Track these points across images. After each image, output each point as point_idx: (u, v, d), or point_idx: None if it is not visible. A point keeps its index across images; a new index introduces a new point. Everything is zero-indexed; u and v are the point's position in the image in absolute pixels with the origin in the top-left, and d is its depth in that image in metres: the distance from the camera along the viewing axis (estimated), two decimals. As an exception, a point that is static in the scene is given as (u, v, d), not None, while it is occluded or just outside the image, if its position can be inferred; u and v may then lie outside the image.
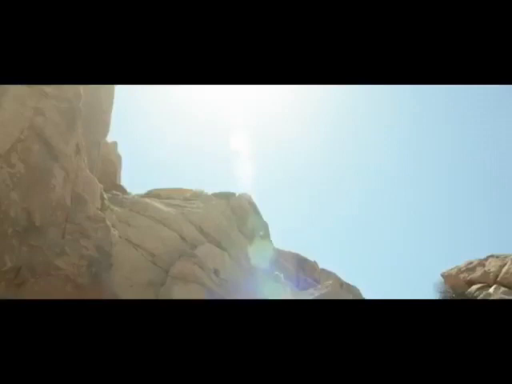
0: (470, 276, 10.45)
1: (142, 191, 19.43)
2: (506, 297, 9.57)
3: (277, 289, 9.91)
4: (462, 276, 8.34)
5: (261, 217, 21.91)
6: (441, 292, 8.00)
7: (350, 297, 9.21)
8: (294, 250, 25.25)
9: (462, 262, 9.18)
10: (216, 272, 16.27)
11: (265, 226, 22.06)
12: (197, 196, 19.29)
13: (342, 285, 22.05)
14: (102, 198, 13.73)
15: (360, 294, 23.36)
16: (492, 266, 11.22)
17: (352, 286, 23.64)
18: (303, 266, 24.08)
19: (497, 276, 11.10)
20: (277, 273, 9.96)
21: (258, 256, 18.38)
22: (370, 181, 70.49)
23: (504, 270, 11.54)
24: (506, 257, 12.12)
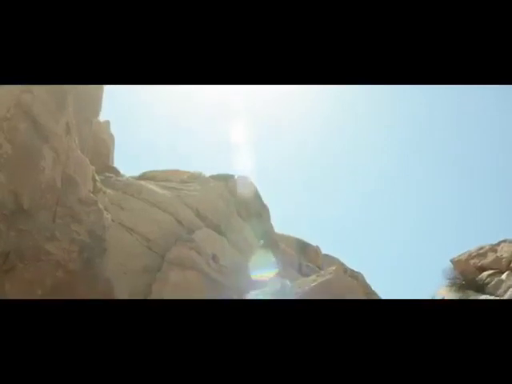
0: (481, 262, 10.42)
1: (137, 173, 19.38)
2: (519, 284, 9.62)
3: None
4: (472, 262, 8.34)
5: (261, 200, 21.90)
6: (450, 279, 8.02)
7: (354, 283, 9.23)
8: (295, 235, 25.35)
9: (472, 248, 9.17)
10: (214, 258, 16.27)
11: (265, 210, 22.06)
12: (194, 178, 19.23)
13: (346, 271, 22.15)
14: (94, 180, 13.65)
15: (364, 280, 23.49)
16: (504, 251, 11.17)
17: (356, 272, 23.76)
18: (305, 251, 24.16)
19: (509, 262, 11.06)
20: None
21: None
22: (377, 165, 70.29)
23: (517, 255, 11.50)
24: (518, 242, 12.09)
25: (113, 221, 13.66)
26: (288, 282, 9.66)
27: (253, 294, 9.43)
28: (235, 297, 14.55)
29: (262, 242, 18.75)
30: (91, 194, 12.47)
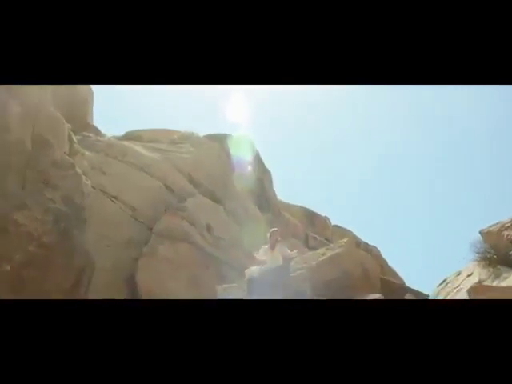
0: (516, 233, 10.27)
1: (120, 133, 19.07)
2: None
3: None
4: (505, 233, 8.17)
5: (263, 164, 21.70)
6: (479, 253, 7.86)
7: (369, 258, 9.09)
8: (301, 204, 25.25)
9: (505, 218, 8.95)
10: (209, 228, 16.23)
11: (267, 175, 21.90)
12: (186, 139, 18.93)
13: (359, 244, 22.14)
14: (71, 141, 13.43)
15: (380, 255, 23.54)
16: (542, 221, 10.93)
17: (370, 246, 23.77)
18: (312, 222, 24.10)
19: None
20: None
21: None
22: (396, 128, 69.67)
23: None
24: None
25: (93, 187, 13.52)
26: (287, 250, 9.43)
27: (253, 270, 9.30)
28: (233, 272, 14.55)
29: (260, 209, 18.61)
30: (67, 157, 12.27)
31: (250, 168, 19.72)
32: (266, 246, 9.41)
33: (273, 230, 9.75)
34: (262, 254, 9.38)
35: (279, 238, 9.45)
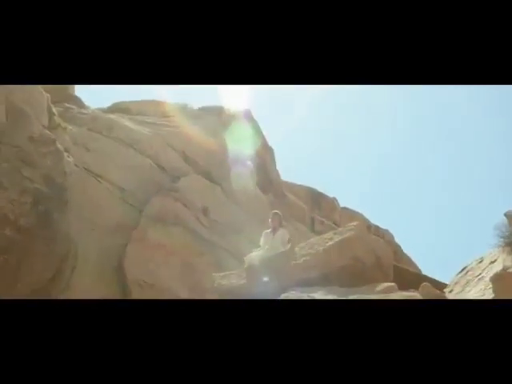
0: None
1: (105, 105, 18.94)
2: None
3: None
4: (534, 216, 8.08)
5: (264, 140, 21.59)
6: (503, 237, 7.74)
7: (381, 243, 8.99)
8: (307, 185, 25.17)
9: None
10: (205, 211, 16.23)
11: (269, 152, 21.80)
12: (179, 111, 18.81)
13: (371, 228, 22.10)
14: (50, 113, 13.32)
15: (393, 240, 23.52)
16: None
17: (383, 230, 23.75)
18: (319, 204, 24.05)
19: None
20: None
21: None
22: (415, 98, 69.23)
23: None
24: None
25: (76, 165, 13.45)
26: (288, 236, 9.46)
27: (253, 257, 9.25)
28: (231, 259, 14.53)
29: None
30: (47, 131, 12.17)
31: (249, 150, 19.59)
32: (268, 231, 9.46)
33: (274, 212, 9.76)
34: (264, 239, 9.45)
35: (282, 222, 9.45)
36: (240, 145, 18.89)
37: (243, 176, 18.64)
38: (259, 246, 9.39)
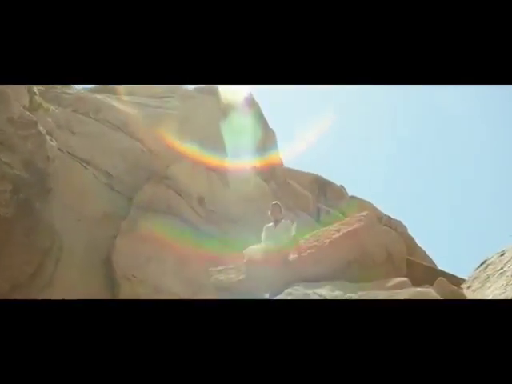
0: None
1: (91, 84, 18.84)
2: None
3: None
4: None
5: (265, 122, 21.52)
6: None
7: (392, 234, 8.94)
8: (312, 172, 25.14)
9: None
10: (201, 200, 16.27)
11: (270, 136, 21.73)
12: (171, 91, 18.71)
13: (381, 218, 22.08)
14: (31, 92, 13.24)
15: (406, 232, 23.50)
16: None
17: (394, 221, 23.73)
18: (325, 193, 24.03)
19: None
20: None
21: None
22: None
23: None
24: None
25: (60, 149, 13.40)
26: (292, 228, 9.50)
27: (253, 250, 9.23)
28: (229, 252, 14.50)
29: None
30: (27, 112, 12.10)
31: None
32: (270, 225, 9.47)
33: (273, 204, 9.72)
34: (266, 234, 9.39)
35: (282, 213, 9.46)
36: (239, 133, 18.84)
37: (242, 162, 18.65)
38: (260, 239, 9.39)
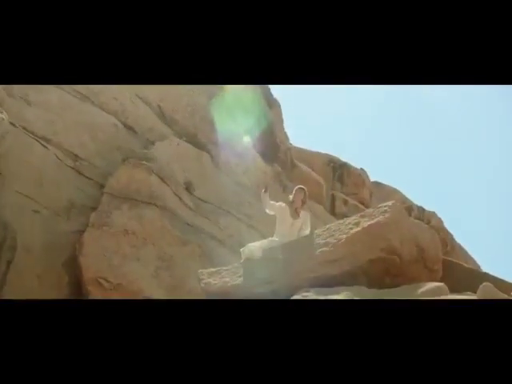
0: None
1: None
2: None
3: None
4: None
5: (269, 93, 21.49)
6: None
7: (425, 229, 8.82)
8: (325, 151, 25.09)
9: None
10: (189, 187, 16.25)
11: (276, 109, 21.68)
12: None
13: (412, 209, 21.99)
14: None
15: (442, 226, 23.40)
16: None
17: (428, 212, 23.63)
18: (342, 178, 23.95)
19: None
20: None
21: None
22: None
23: None
24: None
25: (12, 124, 13.28)
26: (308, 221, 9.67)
27: (253, 248, 9.26)
28: (223, 250, 14.47)
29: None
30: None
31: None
32: (286, 208, 9.81)
33: (298, 188, 10.05)
34: (279, 209, 9.85)
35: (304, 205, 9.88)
36: (235, 102, 18.83)
37: (239, 140, 18.64)
38: (259, 233, 9.53)
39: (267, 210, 10.03)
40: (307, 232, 9.57)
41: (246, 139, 18.92)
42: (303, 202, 9.81)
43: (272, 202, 10.00)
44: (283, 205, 9.84)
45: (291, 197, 9.86)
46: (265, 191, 9.93)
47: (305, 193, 9.90)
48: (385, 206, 8.38)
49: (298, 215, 9.68)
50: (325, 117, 62.69)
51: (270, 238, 9.65)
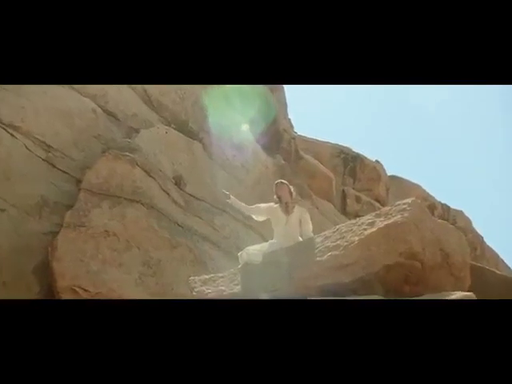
0: None
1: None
2: None
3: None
4: None
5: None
6: None
7: (451, 230, 8.79)
8: (335, 141, 25.10)
9: None
10: (178, 181, 16.34)
11: (278, 94, 21.69)
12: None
13: (435, 207, 21.94)
14: None
15: (470, 228, 23.35)
16: None
17: (454, 211, 23.61)
18: (354, 171, 23.94)
19: None
20: None
21: None
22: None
23: None
24: None
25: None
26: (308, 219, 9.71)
27: (252, 252, 9.30)
28: (217, 254, 14.46)
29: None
30: None
31: None
32: (275, 206, 9.81)
33: (278, 182, 10.10)
34: (265, 210, 9.94)
35: (293, 196, 9.81)
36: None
37: (236, 128, 18.74)
38: (259, 234, 9.57)
39: (254, 217, 10.10)
40: (310, 228, 9.64)
41: (245, 127, 18.93)
42: (291, 195, 9.79)
43: (257, 205, 10.06)
44: (273, 204, 9.86)
45: (275, 195, 9.88)
46: (229, 197, 10.10)
47: (287, 185, 9.88)
48: (404, 204, 8.34)
49: (291, 210, 9.66)
50: (335, 101, 62.82)
51: (271, 241, 9.67)
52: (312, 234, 9.48)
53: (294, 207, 9.65)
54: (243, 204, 10.06)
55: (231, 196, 10.06)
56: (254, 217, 10.07)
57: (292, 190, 9.83)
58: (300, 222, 9.61)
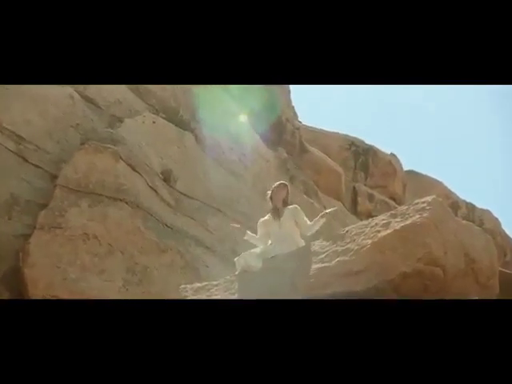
0: None
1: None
2: None
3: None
4: None
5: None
6: None
7: (477, 233, 8.75)
8: (345, 132, 25.07)
9: None
10: (167, 176, 16.39)
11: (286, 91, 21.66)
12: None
13: (459, 206, 21.89)
14: None
15: (499, 229, 23.31)
16: None
17: (481, 211, 23.56)
18: (366, 165, 23.92)
19: None
20: None
21: None
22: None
23: None
24: None
25: None
26: (305, 219, 9.82)
27: (249, 258, 9.30)
28: (212, 260, 14.44)
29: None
30: None
31: None
32: (266, 218, 9.97)
33: (278, 184, 10.16)
34: (263, 230, 9.98)
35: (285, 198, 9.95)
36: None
37: (233, 117, 18.75)
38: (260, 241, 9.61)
39: (253, 241, 10.14)
40: (307, 222, 9.73)
41: (243, 117, 18.93)
42: (285, 203, 9.90)
43: (260, 232, 10.08)
44: (265, 217, 9.98)
45: (269, 192, 10.01)
46: (245, 233, 10.22)
47: (287, 191, 10.00)
48: (423, 203, 8.29)
49: (281, 213, 9.78)
50: (345, 89, 63.29)
51: (270, 245, 9.74)
52: (311, 225, 9.68)
53: (283, 211, 9.78)
54: (257, 236, 10.07)
55: (248, 232, 10.12)
56: (259, 234, 10.07)
57: (288, 198, 9.98)
58: (296, 222, 9.71)
